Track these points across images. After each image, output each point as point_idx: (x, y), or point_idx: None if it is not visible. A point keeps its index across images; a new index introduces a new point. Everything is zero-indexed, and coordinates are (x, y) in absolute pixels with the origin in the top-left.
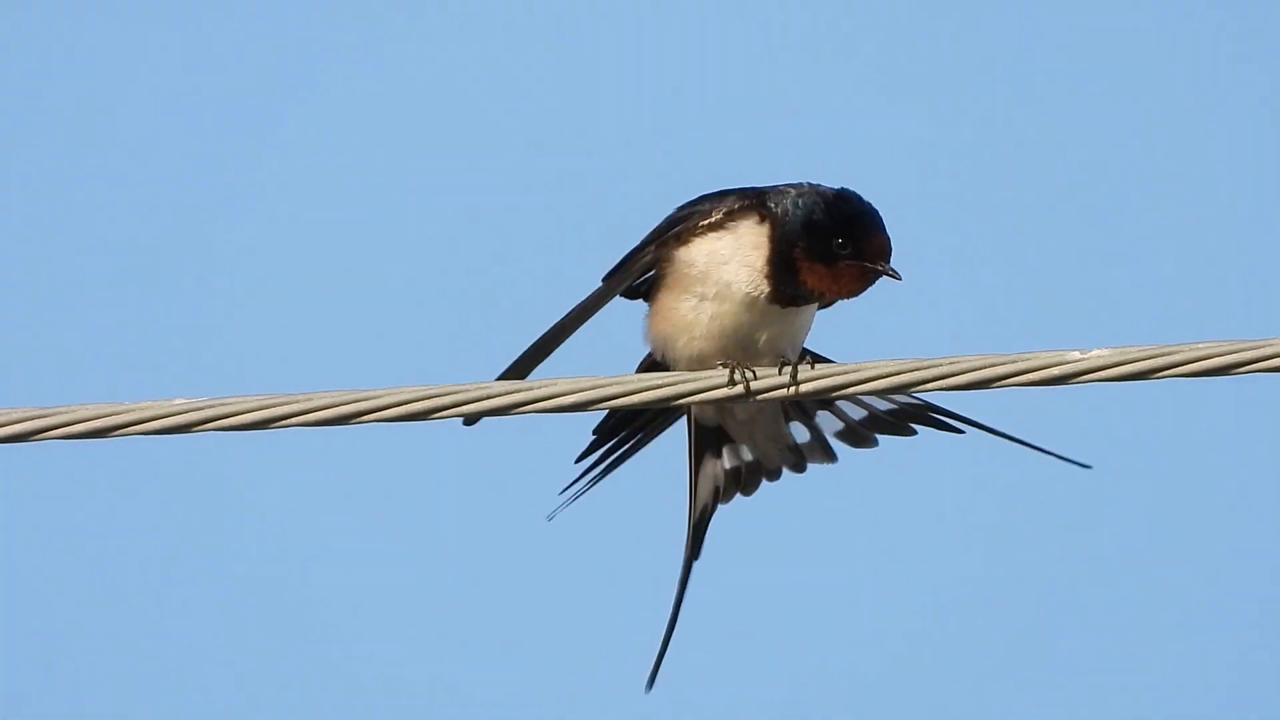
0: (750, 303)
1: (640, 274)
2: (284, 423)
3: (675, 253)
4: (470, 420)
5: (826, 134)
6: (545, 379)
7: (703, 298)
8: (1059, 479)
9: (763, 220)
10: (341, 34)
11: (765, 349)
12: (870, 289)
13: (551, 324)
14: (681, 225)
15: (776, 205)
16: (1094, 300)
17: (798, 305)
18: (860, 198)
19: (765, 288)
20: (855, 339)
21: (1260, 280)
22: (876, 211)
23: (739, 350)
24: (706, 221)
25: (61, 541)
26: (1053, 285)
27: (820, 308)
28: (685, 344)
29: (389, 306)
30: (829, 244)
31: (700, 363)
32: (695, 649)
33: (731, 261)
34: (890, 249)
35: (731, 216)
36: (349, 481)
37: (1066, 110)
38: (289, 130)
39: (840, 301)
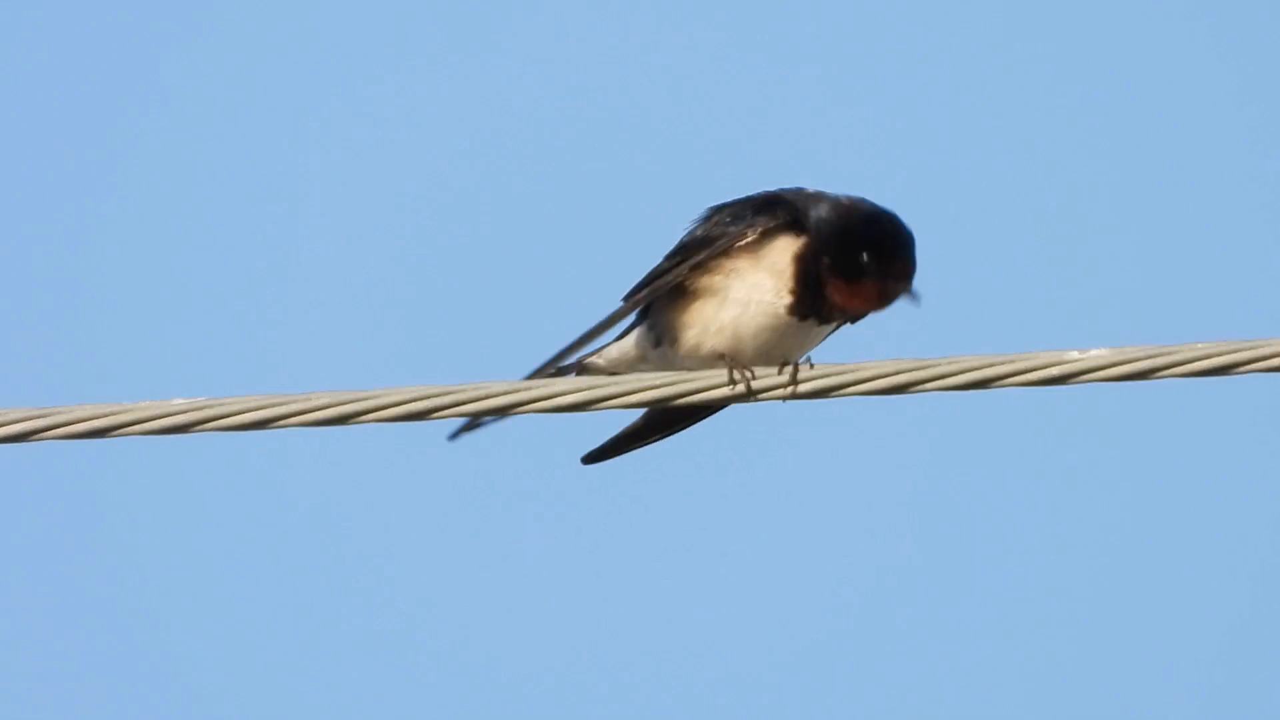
0: (774, 315)
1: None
2: (282, 423)
3: (706, 267)
4: (471, 426)
5: (826, 134)
6: (543, 379)
7: (727, 304)
8: (1058, 480)
9: (797, 236)
10: (346, 39)
11: (778, 358)
12: (888, 308)
13: (569, 342)
14: (714, 246)
15: (811, 217)
16: (1093, 300)
17: (820, 322)
18: (897, 220)
19: (789, 301)
20: (855, 339)
21: (1258, 280)
22: (909, 235)
23: (753, 355)
24: (743, 243)
25: (60, 541)
26: (1052, 285)
27: (850, 322)
28: (698, 339)
29: (389, 307)
30: (856, 259)
31: (708, 361)
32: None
33: (760, 274)
34: (913, 271)
35: (767, 234)
36: (348, 482)
37: (1066, 110)
38: (293, 133)
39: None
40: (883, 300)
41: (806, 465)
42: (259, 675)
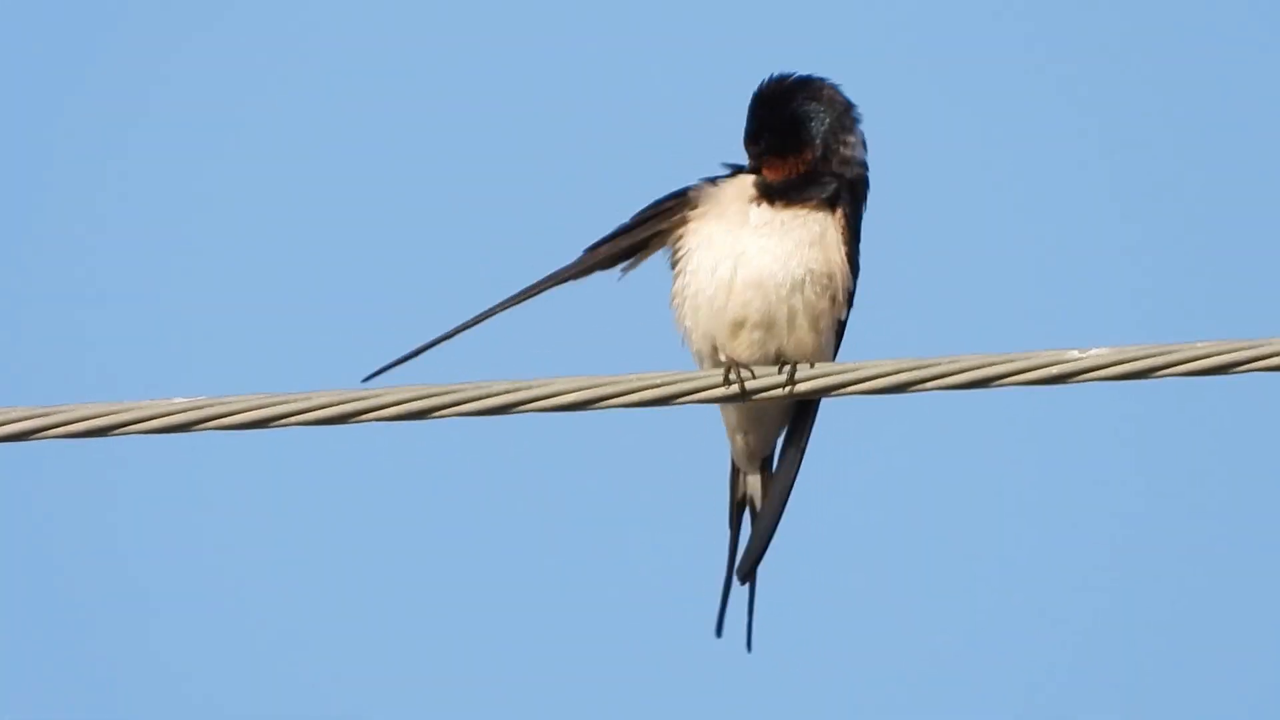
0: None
1: (625, 251)
2: (282, 422)
3: (681, 230)
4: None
5: None
6: (543, 378)
7: (687, 280)
8: (1058, 479)
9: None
10: (326, 35)
11: (792, 303)
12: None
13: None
14: (671, 206)
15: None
16: (1093, 299)
17: (786, 203)
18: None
19: (753, 195)
20: (854, 338)
21: (1258, 280)
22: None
23: (766, 311)
24: (689, 211)
25: (59, 541)
26: (1052, 284)
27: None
28: (696, 344)
29: (388, 306)
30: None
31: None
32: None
33: (725, 197)
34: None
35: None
36: (348, 481)
37: (1065, 108)
38: (277, 129)
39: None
40: (776, 157)
41: (805, 464)
42: (259, 675)
